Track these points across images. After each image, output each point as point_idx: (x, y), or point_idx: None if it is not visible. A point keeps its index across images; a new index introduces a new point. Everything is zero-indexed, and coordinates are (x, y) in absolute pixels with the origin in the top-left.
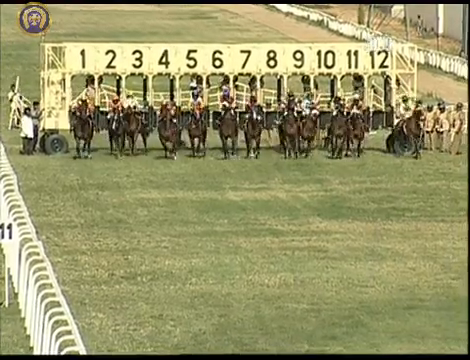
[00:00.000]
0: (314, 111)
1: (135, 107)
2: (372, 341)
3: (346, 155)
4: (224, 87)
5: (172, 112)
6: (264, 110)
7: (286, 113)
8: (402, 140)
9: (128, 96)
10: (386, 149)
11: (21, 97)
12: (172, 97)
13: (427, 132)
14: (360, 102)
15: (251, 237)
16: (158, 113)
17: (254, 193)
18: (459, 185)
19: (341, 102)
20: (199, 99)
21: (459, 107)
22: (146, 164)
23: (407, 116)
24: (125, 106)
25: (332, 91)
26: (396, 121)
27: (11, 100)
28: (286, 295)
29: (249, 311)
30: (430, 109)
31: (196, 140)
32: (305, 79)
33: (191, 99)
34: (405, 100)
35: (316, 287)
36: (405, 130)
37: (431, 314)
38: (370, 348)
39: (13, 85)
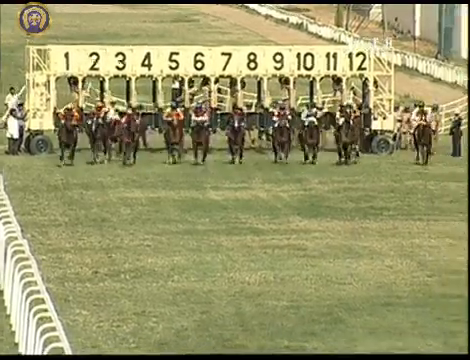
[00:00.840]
0: (311, 118)
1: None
2: (350, 337)
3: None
4: (203, 91)
5: (135, 117)
6: (245, 111)
7: (277, 123)
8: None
9: (112, 102)
10: (364, 149)
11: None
12: (155, 98)
13: (404, 133)
14: (354, 107)
15: (232, 235)
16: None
17: (235, 192)
18: (434, 184)
19: (348, 110)
20: (178, 110)
21: (434, 109)
22: (129, 164)
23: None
24: (110, 115)
25: (311, 93)
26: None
27: (6, 104)
28: (266, 292)
29: (230, 308)
30: (407, 110)
31: (174, 147)
32: (284, 81)
33: (168, 109)
34: (421, 106)
35: (295, 284)
36: (416, 138)
37: (408, 311)
38: (348, 344)
39: (12, 88)
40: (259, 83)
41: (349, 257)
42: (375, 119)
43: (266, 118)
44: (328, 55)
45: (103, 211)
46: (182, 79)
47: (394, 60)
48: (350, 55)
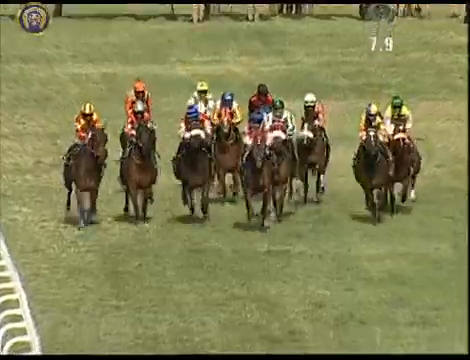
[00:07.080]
0: (277, 132)
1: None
2: (342, 240)
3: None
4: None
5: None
6: None
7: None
8: None
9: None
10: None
11: None
12: None
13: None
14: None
15: None
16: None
17: (205, 66)
18: (443, 57)
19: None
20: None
21: None
22: (79, 32)
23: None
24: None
25: None
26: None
27: None
28: None
29: (198, 204)
30: None
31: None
32: None
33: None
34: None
35: None
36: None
37: (412, 208)
38: (340, 248)
39: None
40: None
41: (342, 144)
42: None
43: None
44: None
45: (47, 89)
46: None
47: None
48: None
